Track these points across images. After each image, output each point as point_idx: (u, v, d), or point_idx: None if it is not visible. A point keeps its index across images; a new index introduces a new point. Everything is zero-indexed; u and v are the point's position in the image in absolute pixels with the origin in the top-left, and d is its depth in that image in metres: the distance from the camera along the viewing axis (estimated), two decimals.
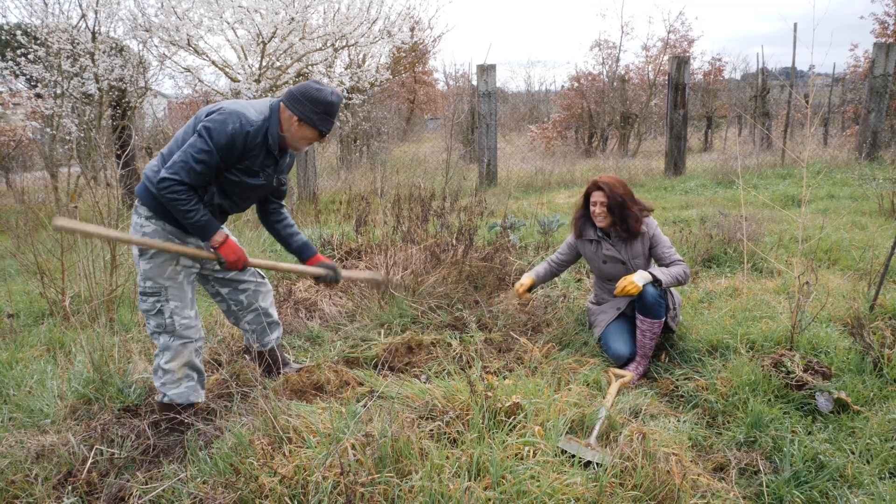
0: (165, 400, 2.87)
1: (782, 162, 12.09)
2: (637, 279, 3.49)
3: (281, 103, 2.81)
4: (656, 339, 3.59)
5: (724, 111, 21.80)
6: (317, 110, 2.76)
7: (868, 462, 2.54)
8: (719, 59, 22.69)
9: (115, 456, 2.63)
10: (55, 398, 3.06)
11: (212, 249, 2.80)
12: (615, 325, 3.77)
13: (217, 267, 3.06)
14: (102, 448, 2.65)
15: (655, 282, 3.53)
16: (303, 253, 3.24)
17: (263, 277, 3.27)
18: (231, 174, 2.78)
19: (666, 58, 19.13)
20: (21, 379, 3.31)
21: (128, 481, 2.49)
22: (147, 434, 2.78)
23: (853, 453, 2.59)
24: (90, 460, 2.55)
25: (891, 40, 16.30)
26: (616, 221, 3.71)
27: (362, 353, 3.71)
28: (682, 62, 11.78)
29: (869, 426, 2.71)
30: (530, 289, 4.03)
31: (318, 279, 3.22)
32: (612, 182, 3.71)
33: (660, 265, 3.72)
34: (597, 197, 3.72)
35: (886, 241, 5.62)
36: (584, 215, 3.90)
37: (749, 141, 17.66)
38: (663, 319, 3.56)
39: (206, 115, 2.69)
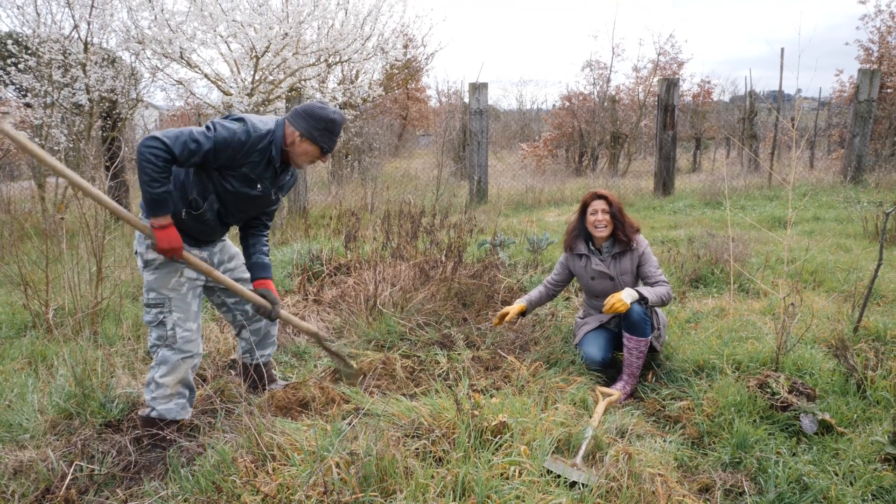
0: (153, 414, 2.83)
1: (769, 184, 12.23)
2: (625, 297, 3.52)
3: (286, 120, 2.86)
4: (643, 357, 3.61)
5: (713, 133, 22.05)
6: (318, 127, 2.81)
7: (851, 484, 2.54)
8: (708, 82, 22.99)
9: (95, 472, 2.59)
10: (35, 412, 3.01)
11: (151, 228, 2.67)
12: (593, 332, 3.84)
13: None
14: (82, 464, 2.62)
15: (642, 299, 3.56)
16: (255, 271, 3.12)
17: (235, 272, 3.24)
18: (228, 184, 2.78)
19: (656, 79, 19.35)
20: (0, 392, 3.26)
21: (107, 499, 2.45)
22: (128, 450, 2.74)
23: (837, 475, 2.59)
24: (69, 477, 2.52)
25: (875, 66, 16.58)
26: (618, 227, 3.77)
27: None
28: (671, 84, 11.92)
29: (852, 448, 2.72)
30: (524, 313, 4.02)
31: (253, 307, 3.11)
32: (609, 193, 3.82)
33: (645, 283, 3.76)
34: (598, 205, 3.78)
35: (870, 263, 5.68)
36: (577, 228, 3.92)
37: (737, 162, 17.85)
38: (649, 338, 3.59)
39: (216, 118, 2.74)
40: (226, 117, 2.76)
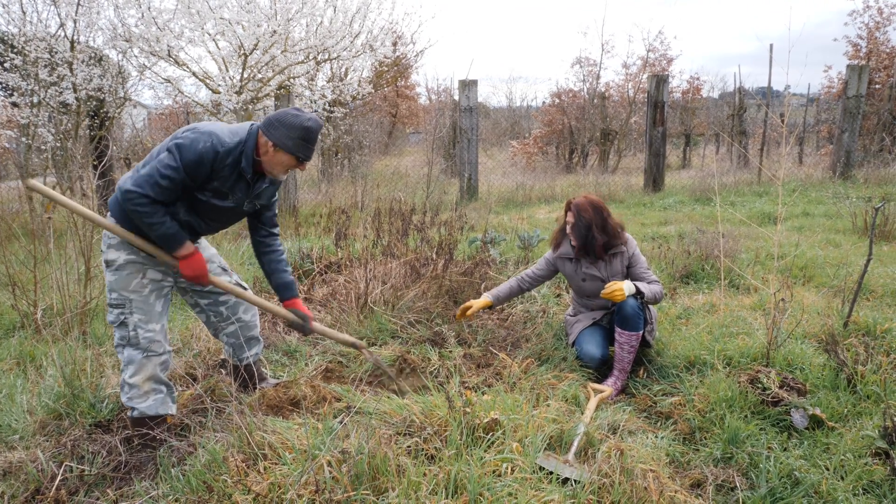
0: (136, 414, 2.81)
1: (759, 180, 12.29)
2: (625, 287, 3.53)
3: (259, 129, 2.76)
4: (634, 352, 3.62)
5: (702, 129, 22.14)
6: (292, 136, 2.69)
7: (842, 478, 2.56)
8: (697, 78, 23.04)
9: (86, 473, 2.57)
10: (24, 413, 2.99)
11: (177, 259, 2.75)
12: (588, 330, 3.84)
13: None
14: (72, 465, 2.59)
15: (638, 293, 3.57)
16: (282, 293, 3.16)
17: (246, 289, 3.22)
18: (200, 194, 2.74)
19: (645, 76, 19.40)
20: None
21: (98, 499, 2.44)
22: (119, 450, 2.72)
23: (828, 469, 2.61)
24: (59, 477, 2.50)
25: (863, 62, 16.69)
26: (581, 244, 3.76)
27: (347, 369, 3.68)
28: (660, 80, 11.96)
29: (843, 442, 2.74)
30: (491, 307, 4.02)
31: (287, 323, 3.17)
32: (582, 204, 3.75)
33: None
34: (569, 217, 3.80)
35: (860, 258, 5.72)
36: (563, 231, 3.93)
37: (726, 159, 17.92)
38: (641, 332, 3.59)
39: (182, 133, 2.67)
40: (189, 129, 2.69)
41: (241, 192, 2.82)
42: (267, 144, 2.73)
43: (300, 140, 2.72)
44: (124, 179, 2.77)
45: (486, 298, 3.98)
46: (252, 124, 2.81)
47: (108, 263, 2.76)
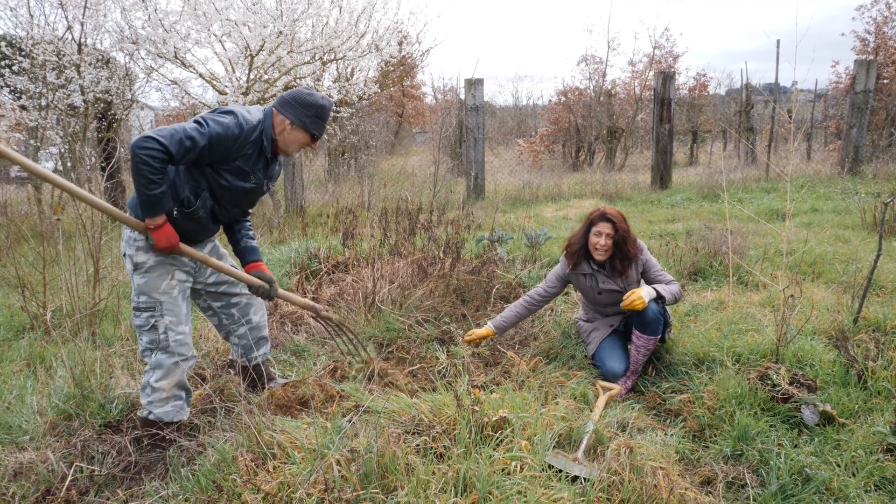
0: (151, 417, 2.82)
1: (766, 176, 12.22)
2: (644, 294, 3.47)
3: (273, 108, 2.84)
4: (648, 355, 3.60)
5: (709, 126, 22.05)
6: (308, 114, 2.81)
7: (854, 475, 2.54)
8: (704, 75, 22.96)
9: (96, 473, 2.58)
10: (34, 414, 3.00)
11: (148, 229, 2.66)
12: (608, 342, 3.77)
13: (210, 280, 3.04)
14: (82, 465, 2.61)
15: (659, 298, 3.54)
16: (246, 256, 3.12)
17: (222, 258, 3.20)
18: (223, 178, 2.75)
19: (651, 73, 19.34)
20: (0, 394, 3.25)
21: (108, 499, 2.45)
22: (128, 450, 2.73)
23: (839, 466, 2.59)
24: (69, 478, 2.51)
25: (871, 57, 16.58)
26: (616, 255, 3.64)
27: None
28: (667, 77, 11.91)
29: (854, 439, 2.72)
30: (495, 335, 3.91)
31: (250, 288, 3.10)
32: (617, 215, 3.63)
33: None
34: (603, 228, 3.60)
35: (869, 254, 5.68)
36: (583, 246, 3.74)
37: (734, 155, 17.85)
38: (660, 336, 3.57)
39: (208, 112, 2.71)
40: (214, 111, 2.73)
41: (260, 171, 2.87)
42: (284, 123, 2.81)
43: (316, 118, 2.84)
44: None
45: (488, 329, 3.84)
46: (264, 107, 2.88)
47: (138, 266, 2.74)
